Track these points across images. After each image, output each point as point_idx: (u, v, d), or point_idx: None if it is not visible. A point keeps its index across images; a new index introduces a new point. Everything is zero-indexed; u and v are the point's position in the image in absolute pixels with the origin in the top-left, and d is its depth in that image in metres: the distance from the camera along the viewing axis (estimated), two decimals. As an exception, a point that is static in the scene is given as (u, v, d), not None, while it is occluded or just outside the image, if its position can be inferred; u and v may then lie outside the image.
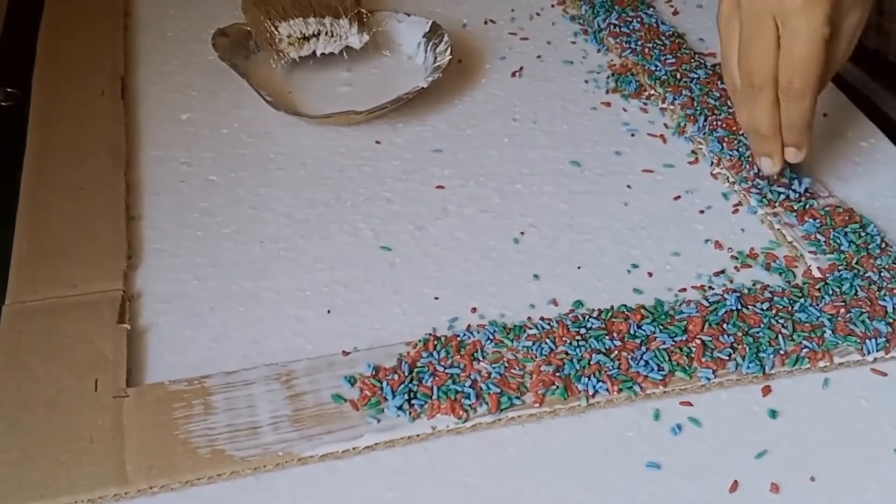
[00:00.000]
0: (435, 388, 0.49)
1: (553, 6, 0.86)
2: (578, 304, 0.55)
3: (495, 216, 0.62)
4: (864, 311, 0.53)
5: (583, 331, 0.52)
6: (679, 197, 0.64)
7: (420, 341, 0.52)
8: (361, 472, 0.46)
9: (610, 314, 0.53)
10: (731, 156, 0.65)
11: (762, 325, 0.53)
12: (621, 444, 0.48)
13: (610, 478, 0.46)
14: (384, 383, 0.49)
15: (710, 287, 0.57)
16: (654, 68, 0.75)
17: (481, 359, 0.51)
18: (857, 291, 0.55)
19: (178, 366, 0.51)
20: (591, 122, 0.72)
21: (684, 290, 0.57)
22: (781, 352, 0.51)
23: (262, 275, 0.57)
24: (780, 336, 0.52)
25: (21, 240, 0.58)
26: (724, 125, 0.68)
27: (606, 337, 0.52)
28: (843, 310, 0.54)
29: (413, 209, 0.63)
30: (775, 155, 0.60)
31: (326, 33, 0.76)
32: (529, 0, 0.87)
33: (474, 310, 0.55)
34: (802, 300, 0.54)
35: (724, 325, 0.53)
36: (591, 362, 0.50)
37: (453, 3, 0.86)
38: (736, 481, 0.46)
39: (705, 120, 0.69)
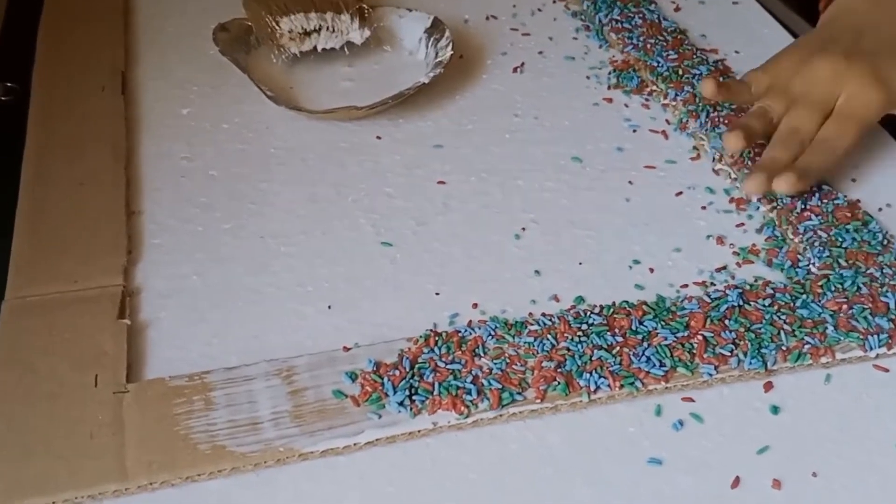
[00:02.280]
0: (436, 384, 0.49)
1: (555, 2, 0.86)
2: (580, 299, 0.55)
3: (497, 212, 0.62)
4: (866, 307, 0.53)
5: (584, 327, 0.52)
6: (681, 193, 0.64)
7: (421, 337, 0.52)
8: (362, 468, 0.46)
9: (611, 310, 0.53)
10: (732, 152, 0.65)
11: (764, 321, 0.52)
12: (623, 439, 0.48)
13: (611, 474, 0.46)
14: (385, 379, 0.49)
15: (711, 283, 0.57)
16: (656, 64, 0.74)
17: (482, 354, 0.51)
18: (859, 288, 0.55)
19: (178, 361, 0.51)
20: (592, 117, 0.71)
21: (686, 286, 0.56)
22: (783, 348, 0.51)
23: (263, 270, 0.57)
24: (781, 332, 0.52)
25: (21, 235, 0.58)
26: (726, 121, 0.68)
27: (608, 333, 0.52)
28: (845, 306, 0.53)
29: (414, 204, 0.63)
30: (765, 183, 0.59)
31: (327, 28, 0.76)
32: (531, -4, 0.87)
33: (475, 305, 0.55)
34: (804, 296, 0.54)
35: (726, 321, 0.52)
36: (593, 358, 0.50)
37: (455, -1, 0.86)
38: (738, 477, 0.46)
39: (707, 116, 0.69)
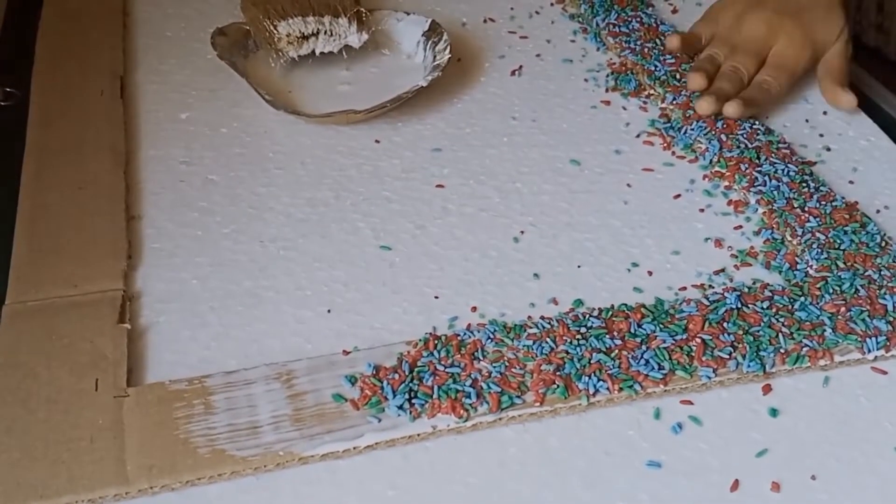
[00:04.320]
0: (435, 388, 0.49)
1: (552, 5, 0.86)
2: (579, 302, 0.55)
3: (495, 215, 0.62)
4: (864, 309, 0.53)
5: (583, 330, 0.52)
6: (679, 195, 0.64)
7: (420, 340, 0.52)
8: (362, 472, 0.46)
9: (610, 313, 0.53)
10: (730, 154, 0.65)
11: (762, 324, 0.53)
12: (622, 443, 0.48)
13: (610, 477, 0.46)
14: (385, 383, 0.49)
15: (710, 286, 0.57)
16: (653, 68, 0.75)
17: (482, 358, 0.51)
18: (857, 290, 0.55)
19: (178, 365, 0.51)
20: (590, 120, 0.72)
21: (684, 288, 0.57)
22: (782, 350, 0.51)
23: (262, 274, 0.57)
24: (780, 335, 0.52)
25: (21, 239, 0.58)
26: (723, 123, 0.68)
27: (607, 336, 0.52)
28: (843, 308, 0.54)
29: (413, 208, 0.63)
30: (715, 104, 0.68)
31: (325, 32, 0.76)
32: (529, -2, 0.87)
33: (474, 309, 0.55)
34: (803, 299, 0.54)
35: (725, 324, 0.53)
36: (592, 361, 0.50)
37: (452, 2, 0.86)
38: (736, 480, 0.46)
39: (704, 119, 0.69)
